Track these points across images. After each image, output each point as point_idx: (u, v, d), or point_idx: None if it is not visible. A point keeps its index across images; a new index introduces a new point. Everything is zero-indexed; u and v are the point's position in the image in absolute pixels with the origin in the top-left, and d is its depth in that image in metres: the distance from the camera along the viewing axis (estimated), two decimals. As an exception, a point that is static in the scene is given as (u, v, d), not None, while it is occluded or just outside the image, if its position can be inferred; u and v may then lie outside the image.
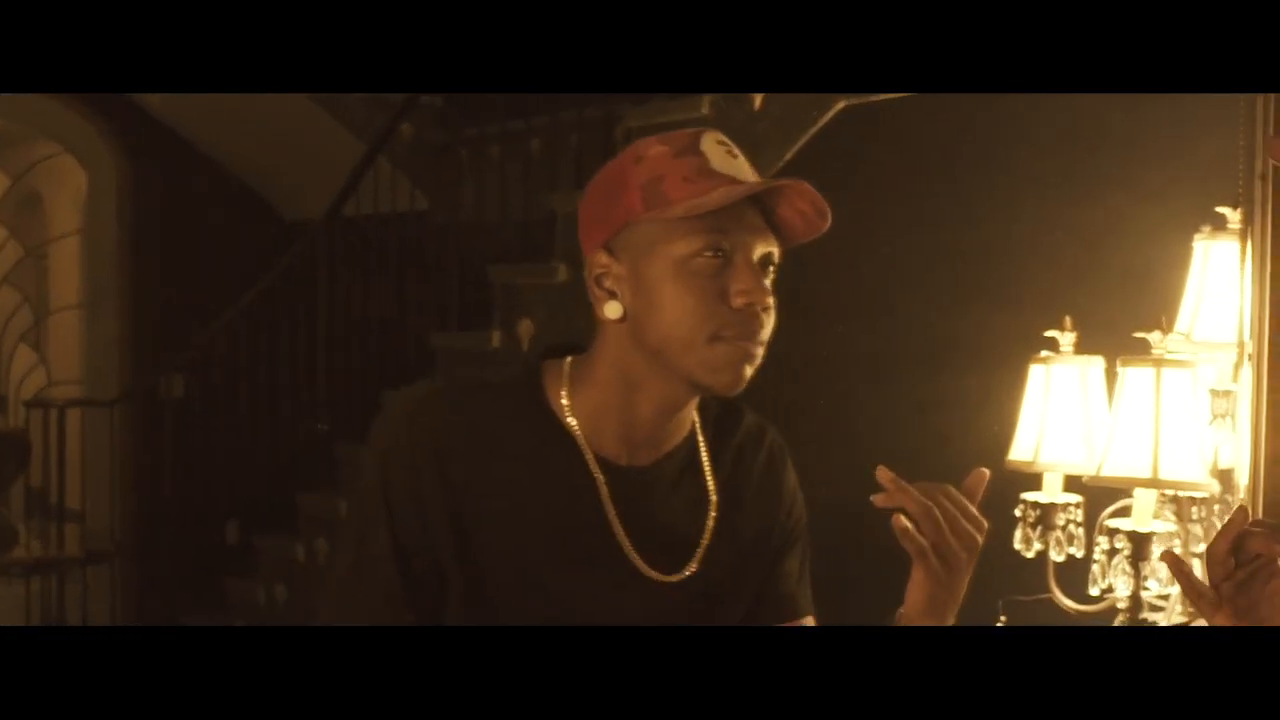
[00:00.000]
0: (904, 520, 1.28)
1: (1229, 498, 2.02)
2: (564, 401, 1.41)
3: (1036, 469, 2.32)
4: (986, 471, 1.35)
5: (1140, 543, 2.05)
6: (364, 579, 1.37)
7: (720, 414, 1.48)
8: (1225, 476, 2.07)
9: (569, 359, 1.44)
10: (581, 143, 4.36)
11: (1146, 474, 2.00)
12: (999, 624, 2.33)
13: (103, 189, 6.13)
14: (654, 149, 1.35)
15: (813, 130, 3.59)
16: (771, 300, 1.34)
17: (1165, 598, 2.12)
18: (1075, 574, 2.23)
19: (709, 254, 1.31)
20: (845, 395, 3.52)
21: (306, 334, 5.08)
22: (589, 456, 1.40)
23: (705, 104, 3.81)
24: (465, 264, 4.66)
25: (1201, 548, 2.11)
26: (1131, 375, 2.03)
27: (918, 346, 3.37)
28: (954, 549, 1.30)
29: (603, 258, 1.37)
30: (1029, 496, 2.31)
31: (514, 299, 4.19)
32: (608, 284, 1.37)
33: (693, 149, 1.34)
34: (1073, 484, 2.29)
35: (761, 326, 1.33)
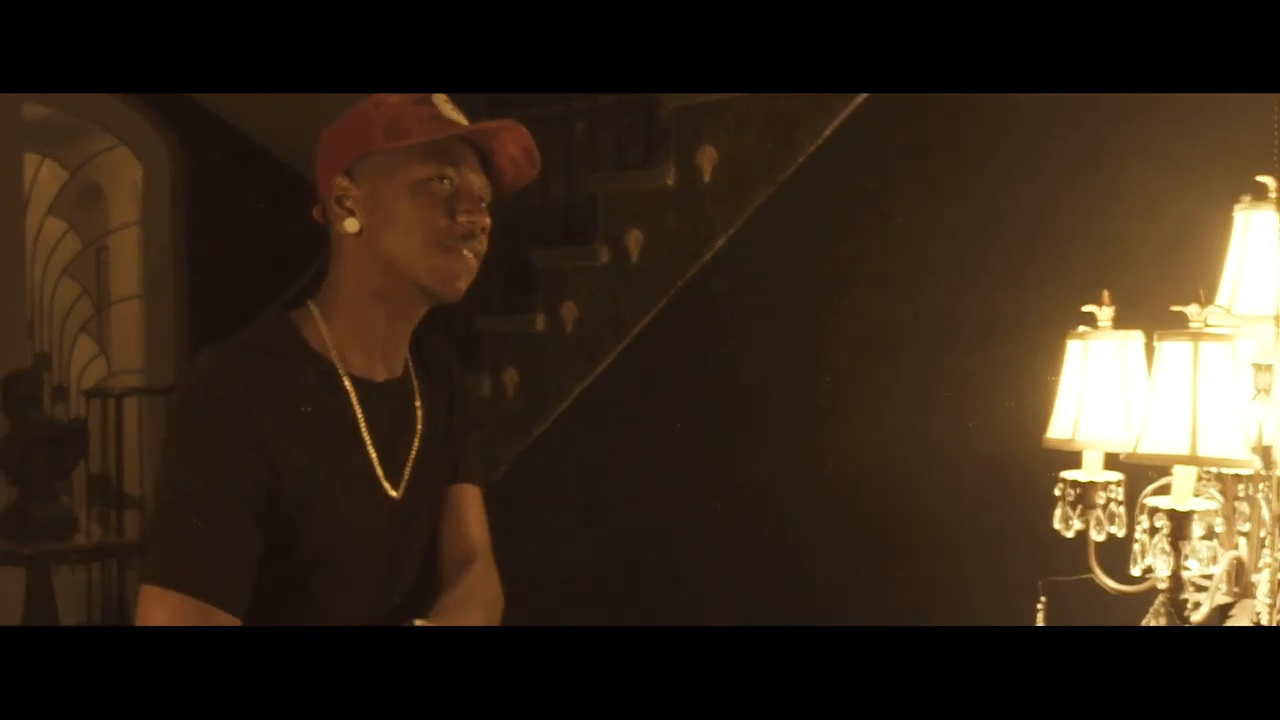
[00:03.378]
0: None
1: (1272, 473, 1.96)
2: (322, 330, 1.63)
3: (1075, 447, 2.27)
4: None
5: (1180, 521, 1.99)
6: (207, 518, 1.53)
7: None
8: (1268, 453, 2.02)
9: (309, 301, 1.64)
10: (625, 125, 4.33)
11: (1184, 451, 1.94)
12: (1039, 605, 2.29)
13: (158, 180, 6.21)
14: (393, 98, 1.60)
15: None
16: (489, 222, 1.61)
17: (1208, 577, 2.06)
18: (1117, 554, 2.18)
19: (439, 180, 1.58)
20: (880, 367, 3.47)
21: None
22: (345, 378, 1.62)
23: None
24: (508, 247, 4.64)
25: (1246, 526, 2.06)
26: (1168, 350, 1.98)
27: (953, 320, 3.31)
28: None
29: (343, 181, 1.60)
30: (1068, 475, 2.26)
31: (557, 282, 4.18)
32: (347, 204, 1.61)
33: (426, 100, 1.60)
34: (1113, 462, 2.24)
35: (479, 242, 1.61)
